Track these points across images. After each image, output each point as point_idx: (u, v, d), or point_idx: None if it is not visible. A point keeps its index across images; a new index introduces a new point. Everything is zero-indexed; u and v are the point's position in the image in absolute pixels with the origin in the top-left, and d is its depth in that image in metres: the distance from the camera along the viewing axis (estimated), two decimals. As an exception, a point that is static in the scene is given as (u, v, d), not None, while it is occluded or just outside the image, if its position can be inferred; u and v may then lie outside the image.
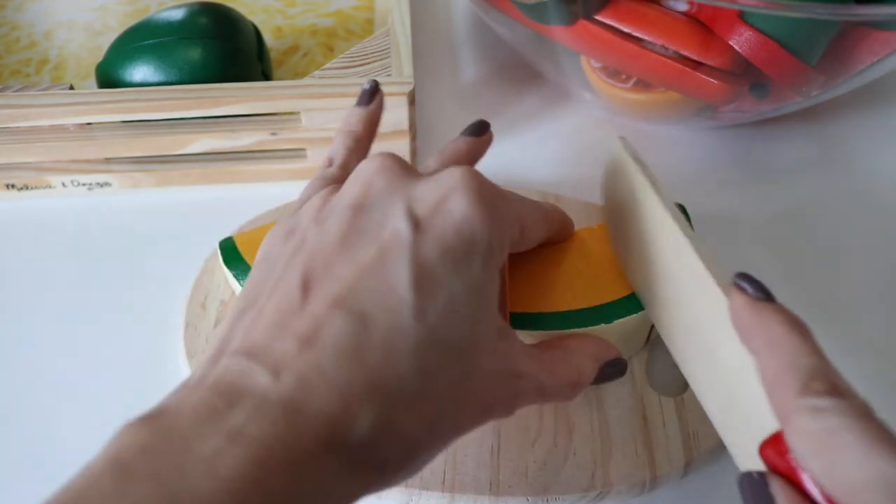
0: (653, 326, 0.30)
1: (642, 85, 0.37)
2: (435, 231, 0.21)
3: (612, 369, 0.27)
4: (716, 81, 0.33)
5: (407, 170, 0.24)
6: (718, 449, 0.29)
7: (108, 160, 0.37)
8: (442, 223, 0.21)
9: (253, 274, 0.24)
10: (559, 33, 0.35)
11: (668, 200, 0.26)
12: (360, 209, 0.22)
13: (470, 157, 0.30)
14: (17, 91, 0.35)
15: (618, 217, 0.29)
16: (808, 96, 0.36)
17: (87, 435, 0.22)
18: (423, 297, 0.20)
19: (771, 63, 0.32)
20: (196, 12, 0.38)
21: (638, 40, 0.33)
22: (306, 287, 0.21)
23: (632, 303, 0.28)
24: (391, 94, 0.35)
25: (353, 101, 0.34)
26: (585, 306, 0.28)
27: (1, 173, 0.37)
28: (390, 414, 0.19)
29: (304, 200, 0.26)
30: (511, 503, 0.27)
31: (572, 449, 0.28)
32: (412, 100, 0.35)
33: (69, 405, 0.31)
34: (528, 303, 0.28)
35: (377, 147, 0.37)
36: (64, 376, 0.31)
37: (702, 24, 0.32)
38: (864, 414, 0.18)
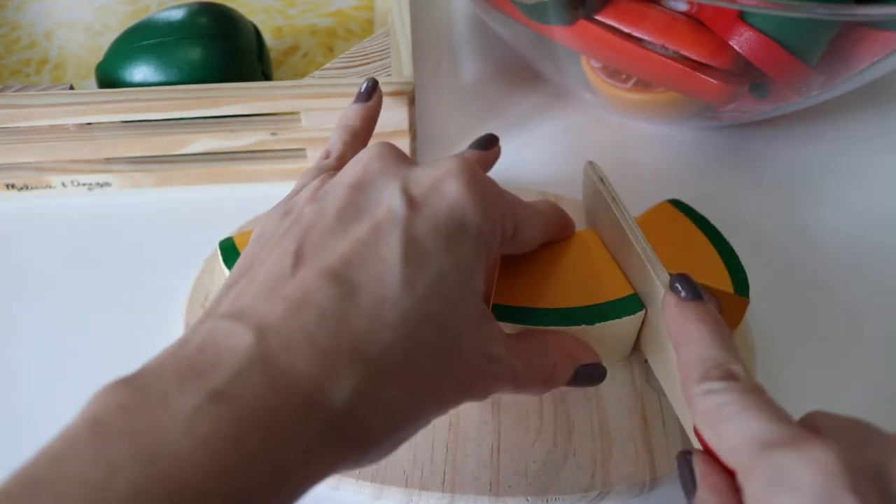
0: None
1: (642, 85, 0.37)
2: (429, 210, 0.22)
3: (590, 373, 0.27)
4: (716, 81, 0.33)
5: (404, 157, 0.24)
6: (718, 449, 0.29)
7: (108, 160, 0.37)
8: (436, 203, 0.22)
9: (247, 249, 0.24)
10: (559, 33, 0.35)
11: (628, 213, 0.29)
12: (357, 188, 0.23)
13: None
14: (17, 91, 0.35)
15: (595, 228, 0.32)
16: (808, 96, 0.36)
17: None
18: (412, 270, 0.20)
19: (771, 63, 0.32)
20: (196, 12, 0.38)
21: (638, 40, 0.33)
22: (298, 256, 0.21)
23: (632, 302, 0.28)
24: (391, 94, 0.35)
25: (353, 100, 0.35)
26: (585, 304, 0.28)
27: (1, 173, 0.37)
28: (373, 381, 0.19)
29: (299, 188, 0.27)
30: (511, 503, 0.27)
31: (572, 449, 0.28)
32: (412, 100, 0.35)
33: (69, 405, 0.31)
34: (528, 298, 0.28)
35: (377, 147, 0.37)
36: (64, 376, 0.31)
37: (702, 24, 0.32)
38: (750, 391, 0.21)
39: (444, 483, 0.27)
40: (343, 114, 0.30)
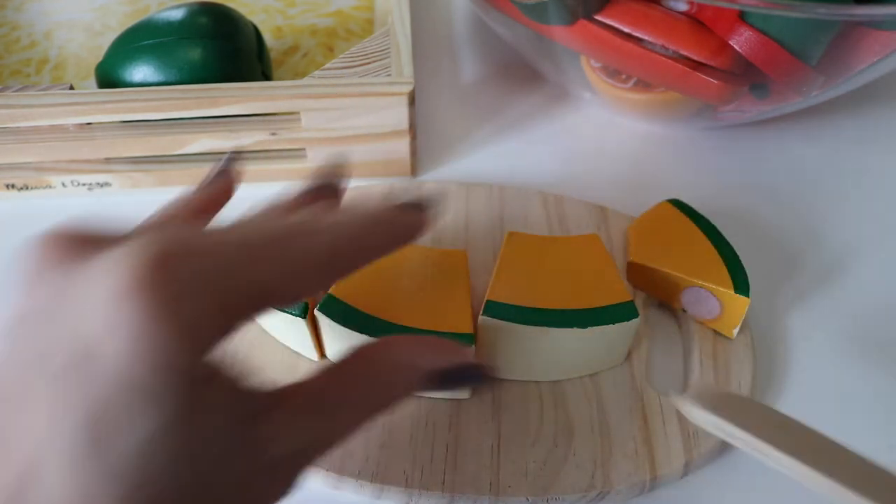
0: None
1: (642, 85, 0.37)
2: (102, 371, 0.16)
3: (453, 378, 0.22)
4: (716, 81, 0.33)
5: (68, 257, 0.18)
6: (718, 449, 0.29)
7: (108, 160, 0.37)
8: (110, 356, 0.16)
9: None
10: (559, 33, 0.35)
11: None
12: (22, 342, 0.17)
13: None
14: (17, 91, 0.35)
15: None
16: (808, 96, 0.36)
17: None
18: (101, 459, 0.16)
19: (771, 63, 0.32)
20: (196, 12, 0.38)
21: (638, 40, 0.33)
22: None
23: (627, 309, 0.28)
24: (391, 94, 0.35)
25: (353, 100, 0.35)
26: (581, 307, 0.28)
27: (1, 173, 0.37)
28: None
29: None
30: (511, 503, 0.27)
31: (572, 449, 0.28)
32: (412, 100, 0.35)
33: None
34: (525, 297, 0.28)
35: (378, 148, 0.37)
36: (64, 376, 0.31)
37: (702, 24, 0.32)
38: None
39: (444, 483, 0.27)
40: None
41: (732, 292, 0.30)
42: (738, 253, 0.32)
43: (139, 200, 0.38)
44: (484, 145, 0.41)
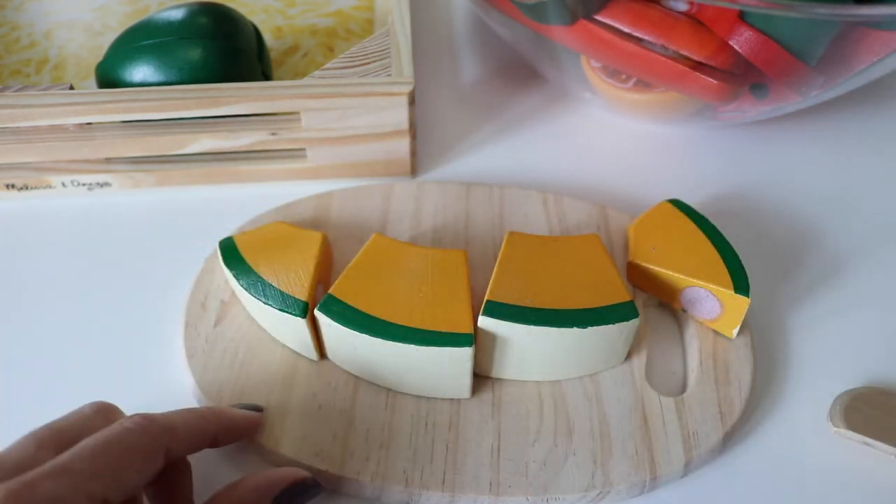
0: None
1: (642, 85, 0.37)
2: None
3: (298, 493, 0.26)
4: (716, 81, 0.33)
5: None
6: (718, 449, 0.29)
7: (108, 160, 0.37)
8: None
9: None
10: (559, 33, 0.35)
11: None
12: None
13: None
14: (17, 91, 0.35)
15: None
16: (808, 96, 0.36)
17: (87, 435, 0.22)
18: None
19: (771, 63, 0.32)
20: (196, 12, 0.38)
21: (638, 40, 0.33)
22: None
23: (627, 309, 0.28)
24: (391, 94, 0.35)
25: (353, 100, 0.35)
26: (581, 307, 0.28)
27: (1, 173, 0.37)
28: None
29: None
30: (511, 503, 0.27)
31: (572, 449, 0.28)
32: (412, 100, 0.35)
33: (69, 405, 0.31)
34: (526, 297, 0.28)
35: (378, 148, 0.37)
36: (64, 376, 0.31)
37: (702, 24, 0.32)
38: None
39: (444, 483, 0.27)
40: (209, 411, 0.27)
41: (732, 292, 0.30)
42: (738, 253, 0.32)
43: (139, 200, 0.38)
44: (484, 145, 0.41)
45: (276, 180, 0.39)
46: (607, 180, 0.39)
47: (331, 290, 0.29)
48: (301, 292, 0.29)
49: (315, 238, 0.31)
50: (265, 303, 0.29)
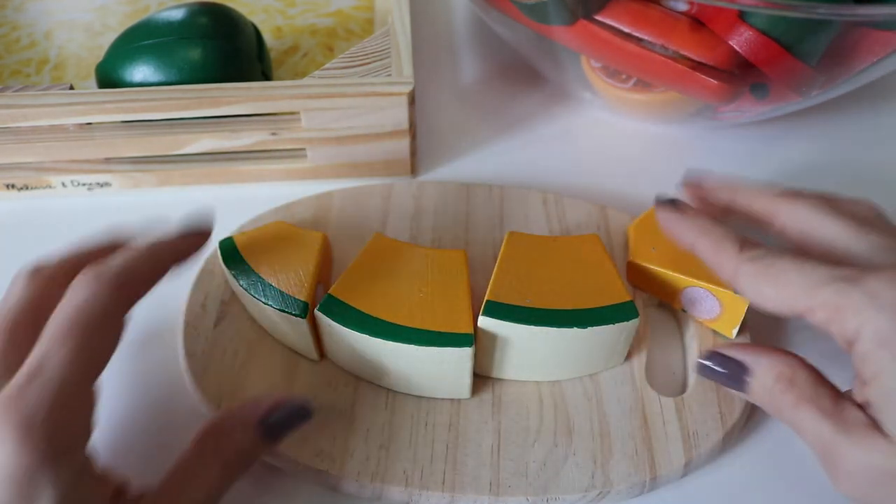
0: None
1: (642, 85, 0.37)
2: None
3: (282, 420, 0.26)
4: (716, 81, 0.33)
5: None
6: (718, 449, 0.29)
7: (108, 160, 0.37)
8: None
9: None
10: (559, 33, 0.35)
11: None
12: None
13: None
14: (17, 91, 0.35)
15: None
16: (808, 96, 0.36)
17: (87, 435, 0.22)
18: None
19: (771, 63, 0.32)
20: (196, 12, 0.38)
21: (638, 40, 0.33)
22: None
23: (627, 309, 0.28)
24: (391, 94, 0.35)
25: (353, 100, 0.35)
26: (581, 307, 0.28)
27: (1, 173, 0.37)
28: None
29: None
30: (511, 503, 0.27)
31: (572, 449, 0.28)
32: (412, 100, 0.35)
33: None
34: (526, 297, 0.28)
35: (378, 148, 0.37)
36: (64, 376, 0.31)
37: (702, 24, 0.32)
38: (786, 251, 0.25)
39: (444, 483, 0.27)
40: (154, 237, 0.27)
41: (732, 292, 0.30)
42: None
43: (139, 200, 0.38)
44: (484, 145, 0.41)
45: (276, 180, 0.39)
46: (607, 180, 0.39)
47: (331, 290, 0.29)
48: (301, 292, 0.29)
49: (315, 238, 0.31)
50: (265, 303, 0.29)
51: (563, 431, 0.29)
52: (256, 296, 0.29)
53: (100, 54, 0.39)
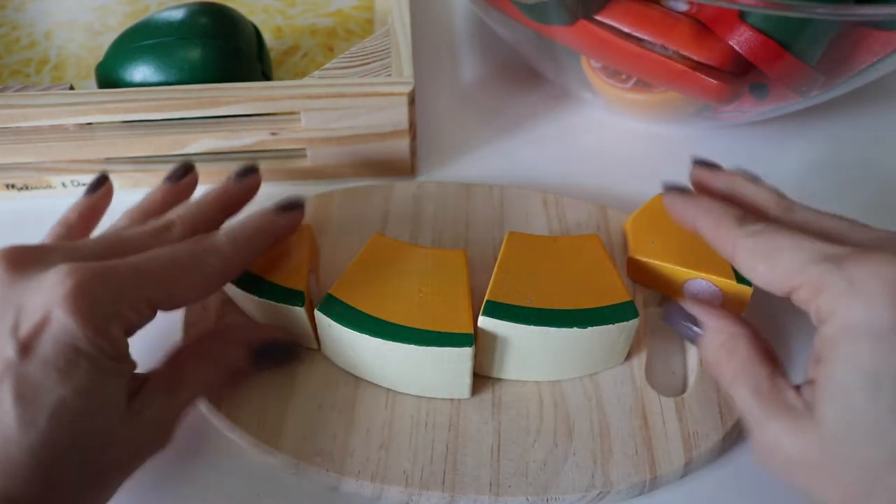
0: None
1: (642, 85, 0.37)
2: (38, 348, 0.22)
3: (273, 353, 0.29)
4: (716, 81, 0.33)
5: (18, 266, 0.24)
6: (718, 449, 0.29)
7: (108, 160, 0.37)
8: (44, 340, 0.23)
9: None
10: (559, 33, 0.35)
11: None
12: None
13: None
14: (17, 91, 0.35)
15: None
16: (808, 96, 0.36)
17: (87, 435, 0.22)
18: (28, 410, 0.22)
19: (771, 63, 0.32)
20: (196, 12, 0.38)
21: (638, 40, 0.33)
22: None
23: (627, 309, 0.28)
24: (391, 94, 0.35)
25: (353, 100, 0.35)
26: (581, 307, 0.28)
27: (1, 173, 0.37)
28: None
29: None
30: (511, 503, 0.27)
31: (572, 449, 0.28)
32: (412, 100, 0.35)
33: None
34: (526, 297, 0.28)
35: (378, 148, 0.37)
36: (64, 376, 0.31)
37: (702, 24, 0.32)
38: (785, 227, 0.25)
39: (444, 483, 0.27)
40: (70, 207, 0.31)
41: (735, 282, 0.30)
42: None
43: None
44: (484, 145, 0.41)
45: (276, 180, 0.39)
46: (607, 180, 0.39)
47: (331, 290, 0.29)
48: (296, 282, 0.29)
49: (301, 229, 0.32)
50: (262, 298, 0.29)
51: (563, 431, 0.29)
52: (253, 292, 0.29)
53: (100, 54, 0.39)
